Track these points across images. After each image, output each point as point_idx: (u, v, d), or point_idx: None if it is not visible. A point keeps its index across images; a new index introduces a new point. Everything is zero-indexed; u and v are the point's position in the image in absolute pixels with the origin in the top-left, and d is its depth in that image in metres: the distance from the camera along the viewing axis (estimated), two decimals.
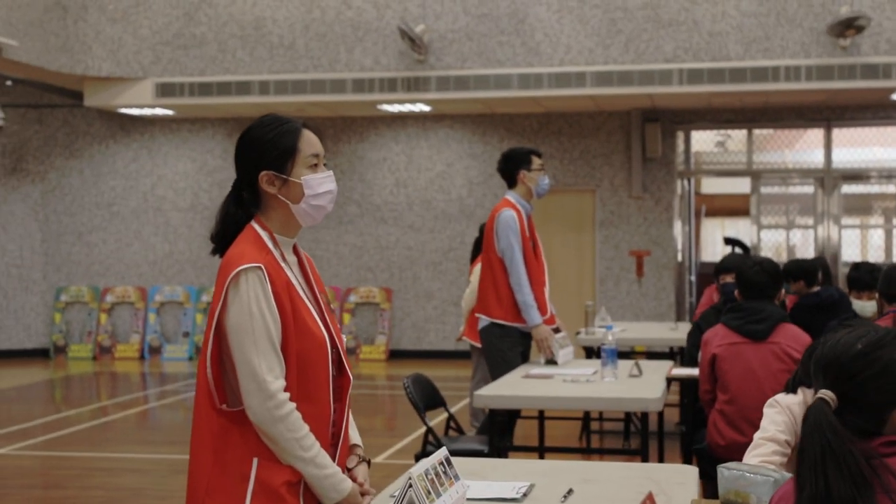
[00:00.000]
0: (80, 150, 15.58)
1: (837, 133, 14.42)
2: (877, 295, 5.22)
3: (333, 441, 2.98)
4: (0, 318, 15.47)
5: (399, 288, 15.12)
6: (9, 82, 14.22)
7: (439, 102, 13.63)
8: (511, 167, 6.92)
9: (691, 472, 3.45)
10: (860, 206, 15.10)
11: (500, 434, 5.92)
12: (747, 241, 14.85)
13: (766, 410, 3.45)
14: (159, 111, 14.31)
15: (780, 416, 3.39)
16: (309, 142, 2.98)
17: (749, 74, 12.29)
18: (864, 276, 6.09)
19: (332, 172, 3.04)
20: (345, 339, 3.11)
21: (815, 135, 14.58)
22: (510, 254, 6.64)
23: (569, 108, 14.22)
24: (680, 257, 14.72)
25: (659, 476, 3.42)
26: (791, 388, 3.44)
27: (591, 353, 8.55)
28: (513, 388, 5.59)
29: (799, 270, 8.93)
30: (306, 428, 2.84)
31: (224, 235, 2.97)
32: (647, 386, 5.52)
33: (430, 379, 6.27)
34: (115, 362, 15.16)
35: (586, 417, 8.66)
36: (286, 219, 2.99)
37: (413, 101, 13.53)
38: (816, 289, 8.65)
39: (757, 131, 14.73)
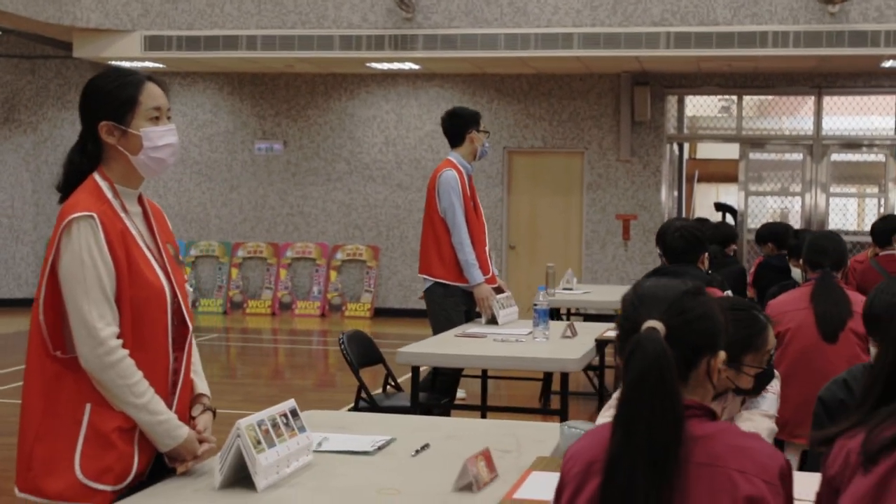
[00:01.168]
0: (73, 101, 15.61)
1: (828, 101, 14.32)
2: (801, 262, 5.24)
3: (173, 389, 3.01)
4: None
5: (386, 246, 15.15)
6: None
7: (427, 61, 13.60)
8: (461, 125, 6.98)
9: (554, 431, 3.47)
10: (849, 175, 15.02)
11: (429, 391, 5.96)
12: (736, 208, 14.80)
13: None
14: (149, 64, 14.30)
15: None
16: (151, 94, 3.00)
17: (737, 39, 12.20)
18: (803, 244, 6.08)
19: (175, 126, 3.06)
20: (189, 291, 3.15)
21: (807, 102, 14.49)
22: (451, 213, 6.69)
23: (558, 69, 14.16)
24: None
25: (523, 433, 3.45)
26: None
27: (553, 314, 8.55)
28: (437, 346, 5.64)
29: (768, 234, 9.01)
30: (139, 374, 2.87)
31: (69, 185, 3.02)
32: (573, 347, 5.55)
33: (368, 336, 6.31)
34: None
35: (546, 378, 8.68)
36: (127, 170, 3.03)
37: (401, 60, 13.50)
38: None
39: (747, 97, 14.65)
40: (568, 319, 9.08)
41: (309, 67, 14.37)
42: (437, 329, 6.74)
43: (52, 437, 2.87)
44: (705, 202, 18.65)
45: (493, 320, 6.63)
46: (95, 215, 2.89)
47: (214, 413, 3.15)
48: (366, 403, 5.94)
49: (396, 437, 3.37)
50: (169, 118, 3.06)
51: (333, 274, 15.18)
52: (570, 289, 9.38)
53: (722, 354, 2.19)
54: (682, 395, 2.09)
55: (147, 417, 2.88)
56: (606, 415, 3.39)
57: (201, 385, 3.16)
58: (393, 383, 6.41)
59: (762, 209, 14.88)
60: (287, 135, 15.27)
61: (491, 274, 6.90)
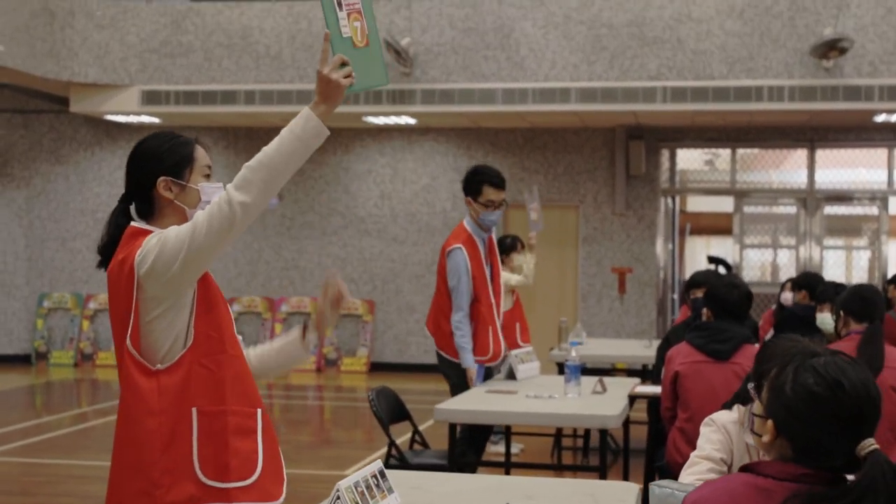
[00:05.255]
0: (66, 156, 15.59)
1: (821, 154, 14.47)
2: (840, 312, 5.24)
3: None
4: None
5: (381, 300, 15.12)
6: None
7: (424, 115, 13.67)
8: (464, 188, 6.75)
9: (632, 490, 3.46)
10: (843, 227, 15.13)
11: (463, 449, 5.92)
12: (730, 260, 14.85)
13: (702, 429, 3.47)
14: (145, 119, 14.32)
15: (716, 434, 3.41)
16: (202, 153, 3.22)
17: (732, 93, 12.33)
18: (829, 290, 6.13)
19: (222, 184, 3.18)
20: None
21: (799, 155, 14.63)
22: (456, 294, 6.59)
23: (554, 123, 14.26)
24: (662, 275, 14.74)
25: (601, 493, 3.43)
26: (729, 405, 3.46)
27: (561, 369, 8.54)
28: (474, 402, 5.60)
29: (805, 282, 8.81)
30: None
31: (112, 246, 3.13)
32: (609, 403, 5.53)
33: (395, 392, 6.28)
34: (96, 369, 15.14)
35: (558, 434, 8.66)
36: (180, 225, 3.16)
37: (398, 114, 13.56)
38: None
39: (741, 150, 14.78)
40: None
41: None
42: (456, 386, 6.67)
43: (175, 446, 2.96)
44: (696, 255, 18.74)
45: (511, 375, 6.58)
46: None
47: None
48: (396, 461, 5.90)
49: (472, 497, 3.34)
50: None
51: (329, 328, 15.07)
52: (581, 343, 9.36)
53: None
54: None
55: (295, 143, 3.03)
56: (688, 472, 3.38)
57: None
58: (420, 440, 6.37)
59: (751, 262, 14.97)
60: (282, 189, 15.19)
61: (490, 354, 6.75)
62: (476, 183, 6.64)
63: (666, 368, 5.45)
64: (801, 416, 2.14)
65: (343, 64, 3.01)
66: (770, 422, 2.19)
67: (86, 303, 15.55)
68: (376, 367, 14.96)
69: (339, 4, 3.02)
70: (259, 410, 3.05)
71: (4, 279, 15.53)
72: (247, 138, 15.23)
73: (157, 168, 3.13)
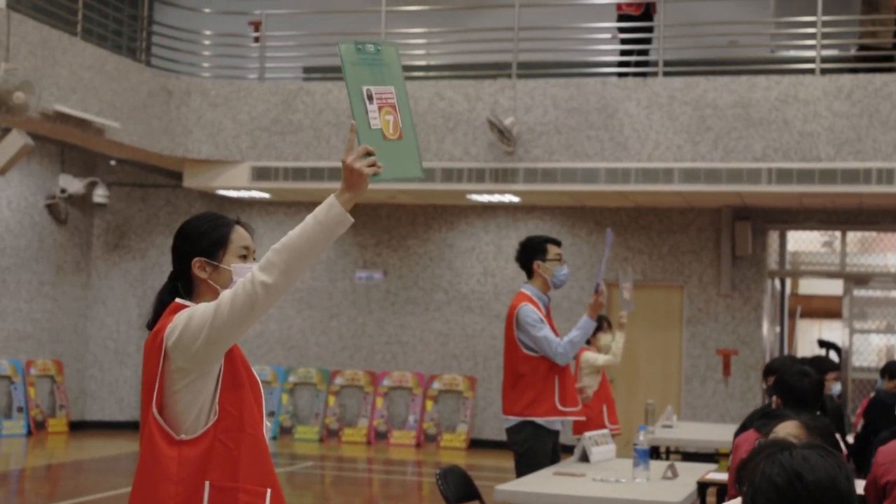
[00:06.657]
0: None
1: None
2: None
3: None
4: (94, 389, 15.89)
5: (483, 377, 15.12)
6: (112, 162, 14.79)
7: (527, 194, 13.73)
8: (526, 257, 6.85)
9: None
10: None
11: None
12: (840, 345, 14.52)
13: None
14: (255, 194, 14.69)
15: None
16: (240, 235, 3.32)
17: (840, 176, 12.12)
18: None
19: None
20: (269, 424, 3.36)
21: None
22: (546, 343, 6.60)
23: (658, 203, 14.19)
24: (768, 357, 14.44)
25: None
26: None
27: (652, 453, 8.42)
28: (536, 484, 5.57)
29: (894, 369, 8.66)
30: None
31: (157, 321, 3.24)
32: (675, 489, 5.44)
33: (464, 470, 6.26)
34: None
35: None
36: None
37: (501, 192, 13.65)
38: None
39: (851, 233, 14.48)
40: (668, 458, 8.93)
41: (410, 199, 14.60)
42: (523, 467, 6.65)
43: None
44: (807, 338, 18.33)
45: (584, 458, 6.52)
46: None
47: None
48: None
49: None
50: (255, 259, 3.30)
51: (429, 404, 15.16)
52: (671, 426, 9.24)
53: None
54: None
55: (318, 228, 3.03)
56: None
57: None
58: None
59: (867, 347, 14.57)
60: (387, 264, 15.45)
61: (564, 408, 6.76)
62: (539, 244, 6.85)
63: (733, 456, 5.35)
64: None
65: (368, 154, 3.03)
66: None
67: None
68: (476, 444, 14.92)
69: (370, 98, 3.08)
70: (269, 490, 3.10)
71: (118, 347, 15.98)
72: (352, 214, 15.41)
73: (193, 248, 3.28)
